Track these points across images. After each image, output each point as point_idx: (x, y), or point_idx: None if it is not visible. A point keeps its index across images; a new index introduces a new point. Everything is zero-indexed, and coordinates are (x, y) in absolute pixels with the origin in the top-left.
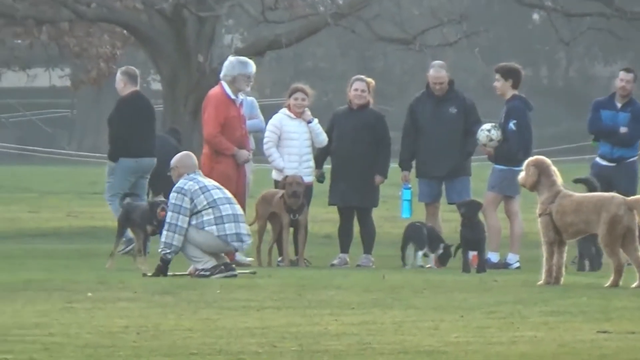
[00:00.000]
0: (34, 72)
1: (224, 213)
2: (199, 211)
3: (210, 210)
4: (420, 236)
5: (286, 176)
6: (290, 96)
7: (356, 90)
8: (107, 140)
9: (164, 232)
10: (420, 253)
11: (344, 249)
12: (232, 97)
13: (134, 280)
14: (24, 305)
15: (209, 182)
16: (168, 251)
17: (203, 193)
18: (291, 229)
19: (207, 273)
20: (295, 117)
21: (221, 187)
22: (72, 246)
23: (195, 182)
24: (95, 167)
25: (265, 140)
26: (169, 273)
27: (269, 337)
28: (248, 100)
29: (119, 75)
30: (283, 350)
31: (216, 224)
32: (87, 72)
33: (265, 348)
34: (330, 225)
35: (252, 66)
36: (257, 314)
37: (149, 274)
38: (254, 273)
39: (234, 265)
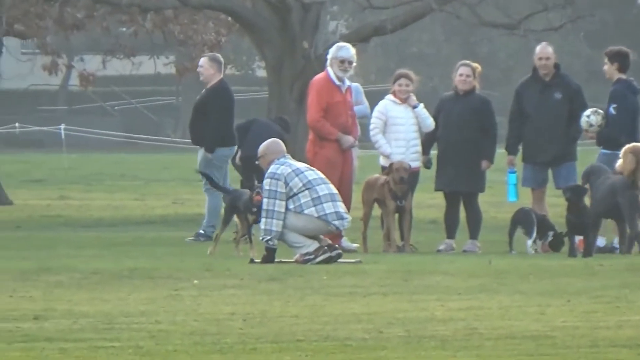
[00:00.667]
0: (139, 59)
1: (320, 193)
2: (295, 194)
3: (307, 192)
4: (528, 220)
5: (392, 163)
6: (394, 82)
7: (461, 75)
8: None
9: (262, 219)
10: (529, 242)
11: (450, 234)
12: (337, 82)
13: (240, 267)
14: (129, 293)
15: (301, 165)
16: (268, 237)
17: (297, 175)
18: (396, 215)
19: (312, 256)
20: (400, 102)
21: (313, 168)
22: (178, 234)
23: (287, 166)
24: None
25: (371, 126)
26: (275, 260)
27: (376, 323)
28: (353, 86)
29: (207, 62)
30: (390, 336)
31: (314, 205)
32: (191, 59)
33: (371, 334)
34: (436, 210)
35: (345, 50)
36: (364, 300)
37: (257, 261)
38: (360, 262)
39: (337, 246)
